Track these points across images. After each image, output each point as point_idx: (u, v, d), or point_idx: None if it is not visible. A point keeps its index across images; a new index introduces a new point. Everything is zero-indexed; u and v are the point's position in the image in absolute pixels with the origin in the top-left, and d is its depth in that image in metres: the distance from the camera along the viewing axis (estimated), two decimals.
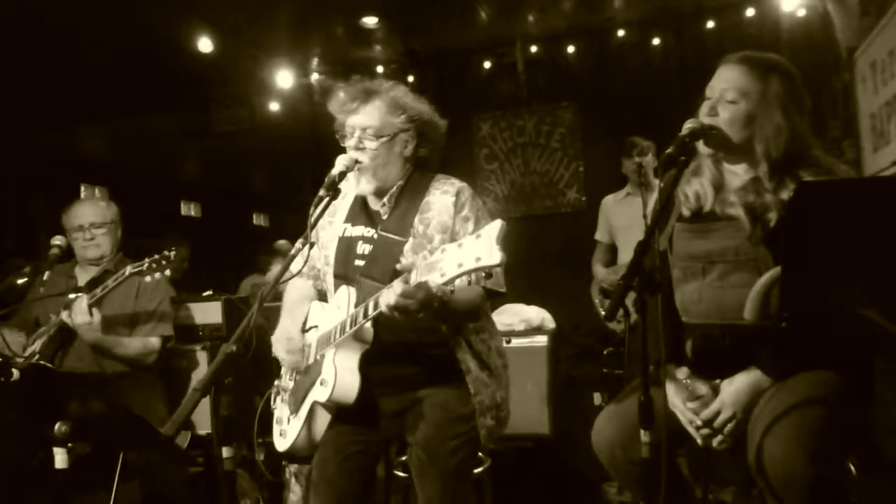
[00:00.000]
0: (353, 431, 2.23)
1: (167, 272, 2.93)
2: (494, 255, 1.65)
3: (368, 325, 2.06)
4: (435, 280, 1.74)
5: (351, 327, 2.05)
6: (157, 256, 2.88)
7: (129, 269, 2.90)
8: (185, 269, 5.44)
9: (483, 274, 1.74)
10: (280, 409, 2.34)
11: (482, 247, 1.67)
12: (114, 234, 3.25)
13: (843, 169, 2.01)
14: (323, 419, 2.22)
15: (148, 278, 2.91)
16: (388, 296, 1.88)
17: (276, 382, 2.39)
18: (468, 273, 1.70)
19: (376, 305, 1.96)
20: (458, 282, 2.10)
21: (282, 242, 6.29)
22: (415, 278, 1.83)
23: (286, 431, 2.26)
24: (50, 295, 3.13)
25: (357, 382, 2.08)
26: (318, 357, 2.16)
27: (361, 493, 2.27)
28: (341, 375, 2.07)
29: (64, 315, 2.95)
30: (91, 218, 3.20)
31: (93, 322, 2.90)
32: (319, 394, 2.10)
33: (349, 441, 2.23)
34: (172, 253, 2.87)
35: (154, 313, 3.16)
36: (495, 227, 1.67)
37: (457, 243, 1.74)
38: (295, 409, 2.22)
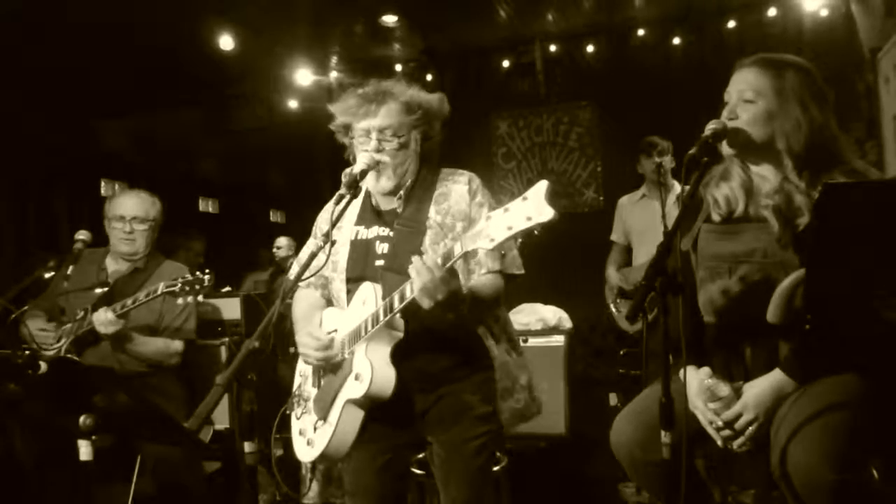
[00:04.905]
0: (385, 435, 2.18)
1: (200, 298, 2.88)
2: (546, 211, 1.66)
3: (398, 315, 2.03)
4: (485, 245, 1.76)
5: (385, 315, 2.01)
6: (190, 279, 2.82)
7: (161, 288, 2.84)
8: (200, 265, 5.45)
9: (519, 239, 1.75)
10: (303, 420, 2.25)
11: (531, 206, 1.68)
12: (152, 233, 3.23)
13: (877, 174, 2.00)
14: (354, 421, 2.10)
15: (180, 300, 2.87)
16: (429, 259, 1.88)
17: (294, 392, 2.32)
18: (520, 234, 1.71)
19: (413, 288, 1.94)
20: (476, 276, 2.11)
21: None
22: (459, 250, 1.83)
23: (314, 440, 2.17)
24: (78, 289, 3.12)
25: (393, 375, 2.03)
26: (348, 354, 2.12)
27: (399, 498, 2.27)
28: (377, 368, 2.02)
29: (94, 323, 2.92)
30: (134, 211, 3.16)
31: (118, 326, 2.89)
32: (354, 390, 2.04)
33: (383, 447, 2.20)
34: (207, 277, 2.81)
35: (176, 324, 3.15)
36: (542, 185, 1.68)
37: (502, 208, 1.74)
38: (323, 415, 2.14)
